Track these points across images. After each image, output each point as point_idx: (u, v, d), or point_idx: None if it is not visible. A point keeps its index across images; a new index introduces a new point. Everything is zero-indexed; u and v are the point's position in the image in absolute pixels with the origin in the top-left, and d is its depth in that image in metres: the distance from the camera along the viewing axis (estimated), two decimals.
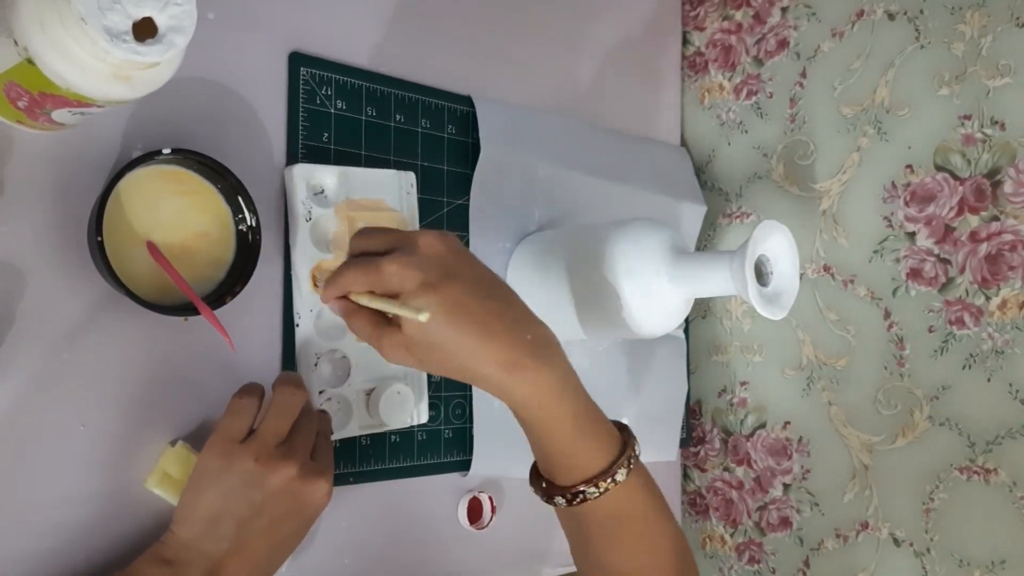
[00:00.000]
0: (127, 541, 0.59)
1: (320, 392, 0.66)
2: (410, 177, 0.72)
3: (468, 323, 0.53)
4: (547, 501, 0.60)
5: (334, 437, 0.67)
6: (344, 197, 0.68)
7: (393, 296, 0.54)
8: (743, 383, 1.00)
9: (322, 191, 0.68)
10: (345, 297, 0.56)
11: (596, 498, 0.57)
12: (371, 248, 0.56)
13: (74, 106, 0.48)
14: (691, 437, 1.04)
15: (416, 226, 0.73)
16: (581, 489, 0.57)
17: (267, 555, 0.57)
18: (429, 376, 0.74)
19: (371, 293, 0.55)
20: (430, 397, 0.75)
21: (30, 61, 0.45)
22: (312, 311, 0.66)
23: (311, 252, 0.67)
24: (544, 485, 0.60)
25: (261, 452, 0.56)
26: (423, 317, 0.51)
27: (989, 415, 0.81)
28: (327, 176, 0.68)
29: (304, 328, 0.66)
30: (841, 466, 0.91)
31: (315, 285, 0.67)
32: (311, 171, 0.67)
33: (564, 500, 0.58)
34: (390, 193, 0.71)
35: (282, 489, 0.56)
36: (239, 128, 0.65)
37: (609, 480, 0.57)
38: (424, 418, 0.73)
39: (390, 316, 0.55)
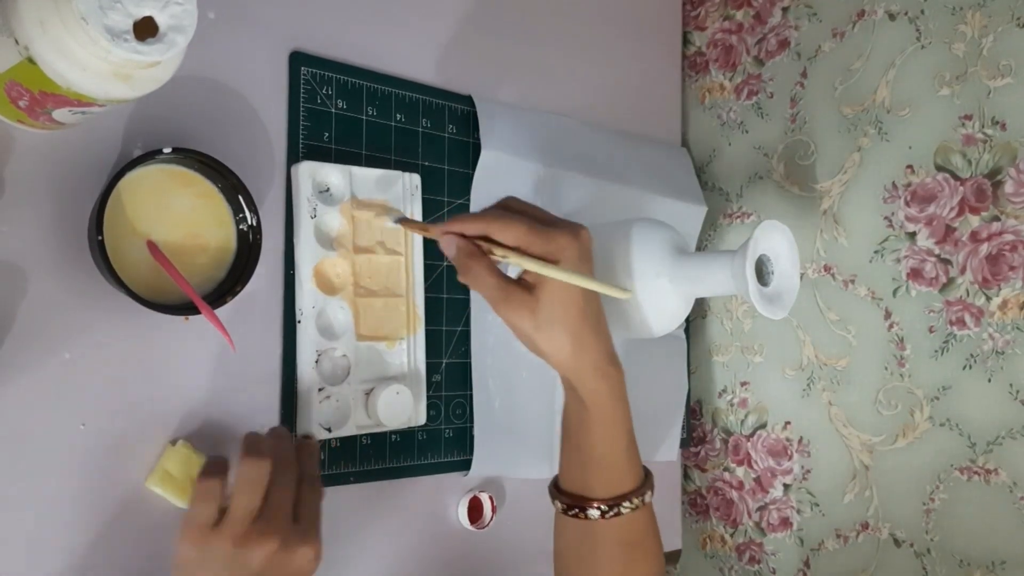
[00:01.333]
0: (127, 541, 0.59)
1: (320, 390, 0.66)
2: (415, 179, 0.73)
3: (583, 314, 0.58)
4: (575, 515, 0.62)
5: (334, 435, 0.67)
6: (349, 196, 0.69)
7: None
8: (743, 383, 1.00)
9: (327, 189, 0.68)
10: (470, 241, 0.59)
11: (627, 513, 0.60)
12: (525, 210, 0.60)
13: (75, 105, 0.48)
14: (691, 437, 1.04)
15: None
16: (617, 503, 0.60)
17: None
18: (429, 376, 0.74)
19: (519, 252, 0.57)
20: (430, 397, 0.75)
21: (31, 60, 0.45)
22: (314, 308, 0.66)
23: (315, 249, 0.67)
24: (572, 497, 0.62)
25: (236, 533, 0.53)
26: (626, 295, 0.57)
27: (989, 415, 0.81)
28: (332, 174, 0.68)
29: (306, 325, 0.66)
30: (841, 466, 0.91)
31: (408, 226, 0.67)
32: (317, 169, 0.67)
33: (599, 512, 0.61)
34: (394, 193, 0.72)
35: (265, 567, 0.53)
36: (240, 127, 0.65)
37: (640, 499, 0.61)
38: (422, 419, 0.73)
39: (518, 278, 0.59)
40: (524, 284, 0.59)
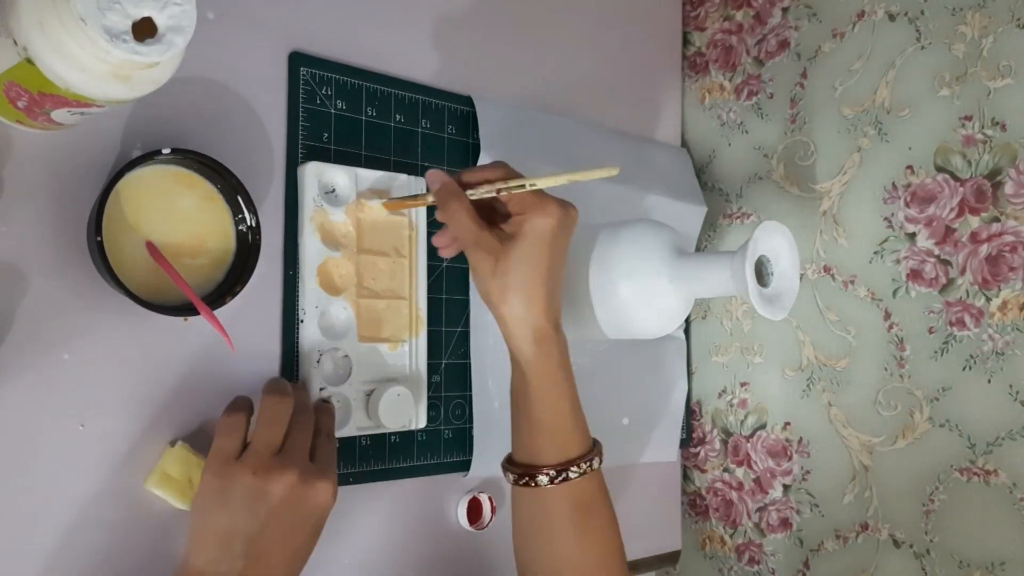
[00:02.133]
0: (127, 542, 0.59)
1: (321, 389, 0.66)
2: (420, 183, 0.73)
3: (543, 278, 0.61)
4: (525, 483, 0.63)
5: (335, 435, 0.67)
6: (354, 197, 0.69)
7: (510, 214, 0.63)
8: (743, 384, 1.00)
9: (333, 190, 0.68)
10: (456, 181, 0.63)
11: (576, 479, 0.62)
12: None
13: (73, 106, 0.48)
14: (691, 438, 1.04)
15: (423, 231, 0.73)
16: (565, 468, 0.62)
17: (284, 565, 0.56)
18: (428, 377, 0.74)
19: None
20: (429, 398, 0.75)
21: (29, 61, 0.45)
22: (317, 308, 0.66)
23: (319, 249, 0.67)
24: (523, 467, 0.63)
25: (257, 465, 0.56)
26: (615, 171, 0.58)
27: (989, 416, 0.81)
28: (339, 175, 0.68)
29: (308, 325, 0.66)
30: (841, 467, 0.91)
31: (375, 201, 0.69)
32: (323, 169, 0.68)
33: (547, 478, 0.62)
34: (399, 196, 0.72)
35: (285, 498, 0.55)
36: (239, 128, 0.65)
37: (588, 464, 0.62)
38: (422, 423, 0.73)
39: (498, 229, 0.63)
40: (499, 233, 0.63)
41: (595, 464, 0.63)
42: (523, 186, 0.61)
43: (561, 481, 0.62)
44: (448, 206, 0.62)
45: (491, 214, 0.65)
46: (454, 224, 0.62)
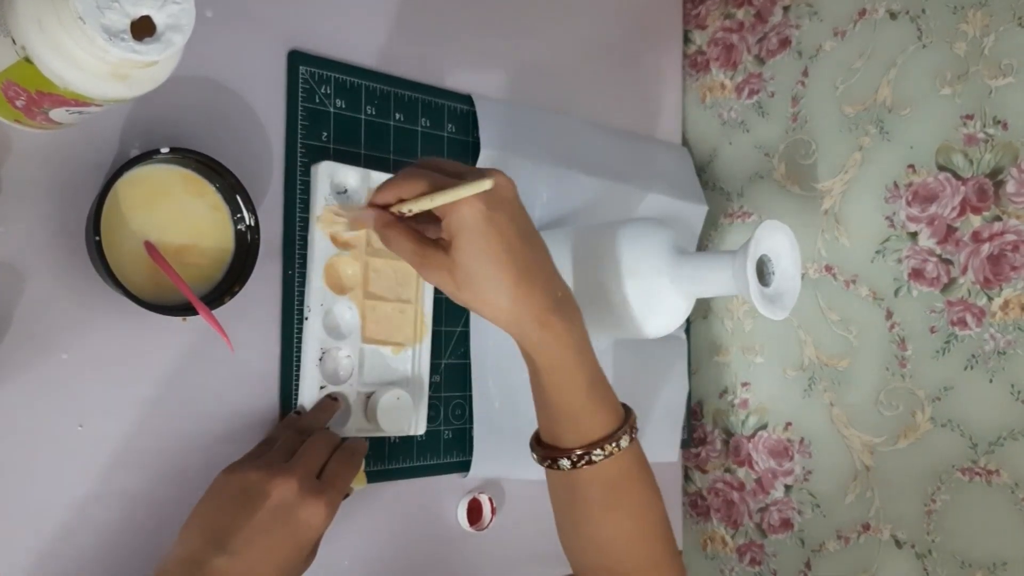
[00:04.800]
0: (125, 543, 0.58)
1: (321, 387, 0.66)
2: None
3: (511, 263, 0.55)
4: (549, 466, 0.61)
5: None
6: (365, 199, 0.69)
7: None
8: (744, 384, 1.00)
9: (344, 191, 0.68)
10: (386, 210, 0.57)
11: (601, 461, 0.59)
12: (439, 165, 0.57)
13: (72, 105, 0.48)
14: (692, 438, 1.04)
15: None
16: (587, 451, 0.58)
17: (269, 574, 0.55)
18: (429, 377, 0.74)
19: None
20: (430, 398, 0.75)
21: (28, 60, 0.45)
22: (322, 306, 0.66)
23: (327, 248, 0.67)
24: (547, 449, 0.61)
25: (262, 464, 0.57)
26: (487, 184, 0.52)
27: (991, 416, 0.81)
28: (351, 176, 0.69)
29: (312, 322, 0.66)
30: (843, 467, 0.91)
31: (330, 220, 0.67)
32: (336, 169, 0.68)
33: (569, 462, 0.59)
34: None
35: (279, 503, 0.55)
36: (237, 127, 0.65)
37: (614, 444, 0.59)
38: (422, 429, 0.73)
39: (437, 238, 0.57)
40: (442, 244, 0.57)
41: (623, 443, 0.59)
42: (425, 203, 0.55)
43: (585, 464, 0.59)
44: (388, 239, 0.58)
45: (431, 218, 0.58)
46: (399, 252, 0.58)
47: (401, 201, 0.57)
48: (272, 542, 0.54)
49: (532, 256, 0.57)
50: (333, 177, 0.68)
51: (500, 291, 0.55)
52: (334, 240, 0.67)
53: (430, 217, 0.57)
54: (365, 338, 0.69)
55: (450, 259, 0.55)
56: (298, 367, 0.66)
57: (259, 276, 0.62)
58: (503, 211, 0.55)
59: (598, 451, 0.58)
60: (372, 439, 0.71)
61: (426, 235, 0.59)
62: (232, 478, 0.56)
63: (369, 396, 0.69)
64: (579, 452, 0.59)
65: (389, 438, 0.72)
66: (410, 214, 0.56)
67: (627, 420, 0.61)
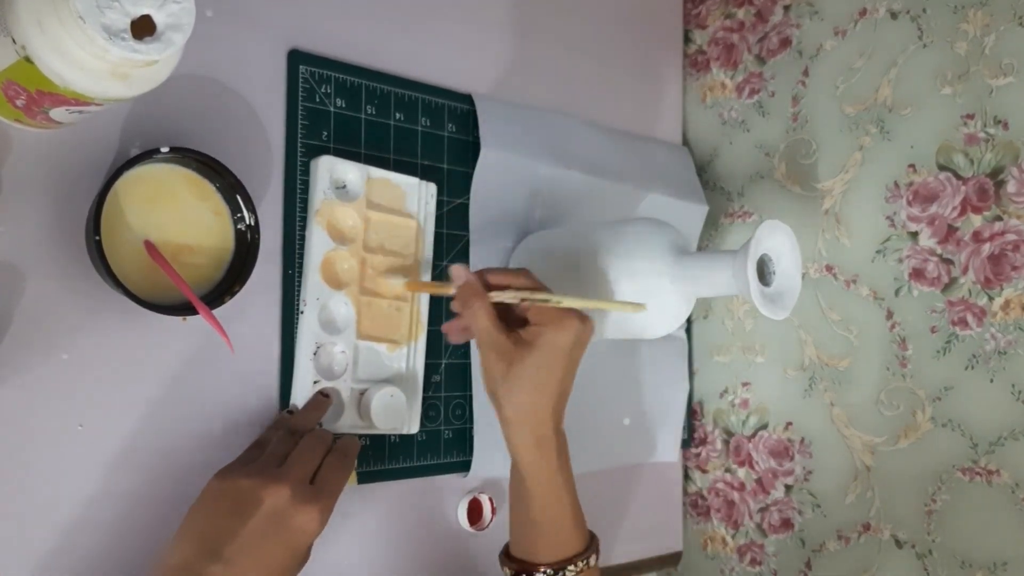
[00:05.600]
0: (125, 542, 0.58)
1: (315, 382, 0.66)
2: (432, 188, 0.73)
3: (557, 387, 0.62)
4: None
5: (325, 429, 0.66)
6: (364, 194, 0.69)
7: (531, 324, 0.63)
8: (745, 384, 1.00)
9: (344, 186, 0.68)
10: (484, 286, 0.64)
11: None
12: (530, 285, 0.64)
13: (72, 104, 0.48)
14: (692, 438, 1.04)
15: (430, 233, 0.74)
16: (562, 567, 0.63)
17: None
18: (428, 377, 0.74)
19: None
20: (430, 398, 0.75)
21: (28, 59, 0.44)
22: (318, 300, 0.66)
23: (325, 242, 0.67)
24: (519, 563, 0.65)
25: (254, 471, 0.56)
26: (643, 307, 0.63)
27: (991, 416, 0.80)
28: (351, 171, 0.69)
29: (308, 316, 0.66)
30: (843, 467, 0.91)
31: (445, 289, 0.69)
32: (335, 164, 0.68)
33: None
34: (410, 198, 0.72)
35: (272, 510, 0.54)
36: (238, 126, 0.65)
37: (583, 562, 0.64)
38: (415, 428, 0.73)
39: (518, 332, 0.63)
40: (516, 337, 0.62)
41: (591, 561, 0.65)
42: (547, 300, 0.62)
43: None
44: (470, 304, 0.63)
45: (506, 313, 0.64)
46: (473, 323, 0.63)
47: (504, 288, 0.63)
48: (266, 550, 0.54)
49: (567, 391, 0.63)
50: (333, 172, 0.68)
51: (527, 401, 0.61)
52: (331, 234, 0.67)
53: (502, 313, 0.63)
54: (360, 334, 0.69)
55: (518, 355, 0.61)
56: (293, 360, 0.66)
57: (259, 276, 0.62)
58: (582, 348, 0.63)
59: (571, 567, 0.63)
60: (373, 439, 0.71)
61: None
62: (224, 485, 0.56)
63: (363, 393, 0.69)
64: (555, 567, 0.63)
65: (389, 438, 0.72)
66: (514, 301, 0.62)
67: (593, 540, 0.66)
